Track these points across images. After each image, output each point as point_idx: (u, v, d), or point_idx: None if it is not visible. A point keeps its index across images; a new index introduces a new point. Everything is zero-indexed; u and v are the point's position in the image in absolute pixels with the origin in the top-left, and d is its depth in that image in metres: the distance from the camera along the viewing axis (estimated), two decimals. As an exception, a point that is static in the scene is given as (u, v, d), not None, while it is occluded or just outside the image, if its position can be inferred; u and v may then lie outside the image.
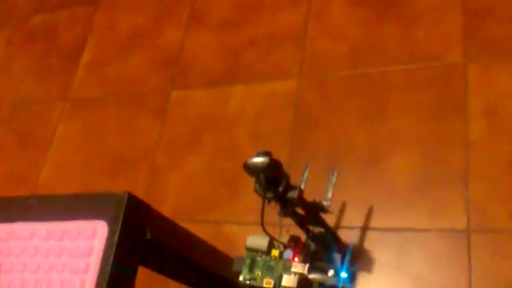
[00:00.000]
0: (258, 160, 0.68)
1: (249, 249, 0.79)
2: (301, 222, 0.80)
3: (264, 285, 0.76)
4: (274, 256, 0.77)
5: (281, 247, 0.79)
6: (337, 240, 0.85)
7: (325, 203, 0.78)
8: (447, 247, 0.86)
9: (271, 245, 0.78)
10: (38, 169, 1.25)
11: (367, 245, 0.90)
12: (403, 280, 0.86)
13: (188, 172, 1.11)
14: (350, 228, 0.90)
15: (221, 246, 0.80)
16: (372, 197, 0.94)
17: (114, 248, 0.57)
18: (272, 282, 0.76)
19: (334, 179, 0.80)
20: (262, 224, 0.72)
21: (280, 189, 0.70)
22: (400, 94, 1.01)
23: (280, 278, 0.75)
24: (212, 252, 0.76)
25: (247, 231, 1.00)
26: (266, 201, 0.71)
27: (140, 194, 0.60)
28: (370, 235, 0.91)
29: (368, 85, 1.05)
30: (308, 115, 1.07)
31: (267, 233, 0.74)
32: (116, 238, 0.57)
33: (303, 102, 1.09)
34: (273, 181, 0.70)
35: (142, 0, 1.43)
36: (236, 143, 1.11)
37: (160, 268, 0.69)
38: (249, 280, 0.77)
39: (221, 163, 1.10)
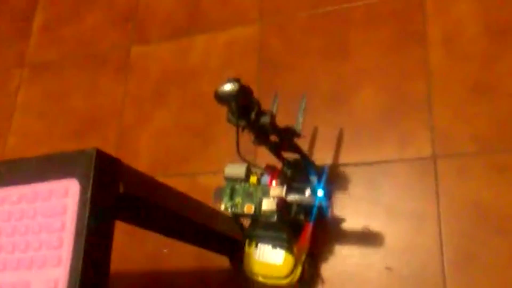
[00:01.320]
0: (228, 87, 0.68)
1: (228, 178, 0.81)
2: (275, 150, 0.81)
3: (245, 210, 0.78)
4: (253, 183, 0.79)
5: (259, 173, 0.80)
6: (312, 163, 0.87)
7: (296, 128, 0.79)
8: (415, 175, 0.89)
9: (249, 172, 0.80)
10: (3, 138, 1.23)
11: (339, 180, 0.92)
12: (375, 209, 0.89)
13: (157, 127, 1.11)
14: (321, 165, 0.92)
15: (197, 197, 0.81)
16: (340, 133, 0.96)
17: (88, 205, 0.57)
18: (253, 207, 0.78)
19: (303, 104, 0.81)
20: (238, 151, 0.74)
21: (253, 115, 0.71)
22: (360, 30, 1.01)
23: (260, 203, 0.77)
24: (187, 200, 0.77)
25: (222, 180, 1.02)
26: (240, 129, 0.72)
27: (111, 153, 0.60)
28: (341, 170, 0.93)
29: (329, 24, 1.05)
30: (272, 59, 1.07)
31: (244, 160, 0.76)
32: (88, 194, 0.57)
33: (266, 46, 1.08)
34: (245, 108, 0.70)
35: (91, -46, 1.37)
36: (202, 93, 1.10)
37: (137, 221, 0.69)
38: (231, 207, 0.79)
39: (190, 115, 1.09)
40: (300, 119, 0.79)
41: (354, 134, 0.95)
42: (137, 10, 1.25)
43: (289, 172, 0.84)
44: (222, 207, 0.80)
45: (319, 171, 0.85)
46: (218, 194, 0.81)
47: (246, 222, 0.85)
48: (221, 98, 0.69)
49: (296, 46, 1.06)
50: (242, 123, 0.72)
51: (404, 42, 0.97)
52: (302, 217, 0.83)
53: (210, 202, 0.83)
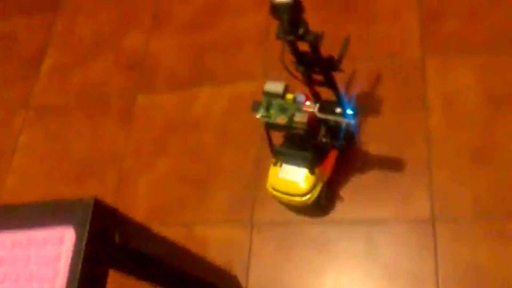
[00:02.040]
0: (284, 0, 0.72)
1: (266, 93, 0.86)
2: (311, 78, 0.86)
3: (278, 121, 0.84)
4: (288, 100, 0.85)
5: (294, 93, 0.85)
6: (342, 95, 0.90)
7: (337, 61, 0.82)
8: (414, 237, 0.88)
9: (286, 90, 0.85)
10: (2, 178, 1.23)
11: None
12: (374, 267, 0.88)
13: (157, 175, 1.11)
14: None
15: (193, 247, 0.80)
16: (340, 190, 0.96)
17: (82, 254, 0.56)
18: (286, 118, 0.84)
19: (347, 44, 0.84)
20: (283, 62, 0.78)
21: (301, 31, 0.75)
22: (363, 90, 1.03)
23: (292, 117, 0.84)
24: (183, 252, 0.76)
25: (218, 232, 1.01)
26: (286, 46, 0.78)
27: (109, 199, 0.60)
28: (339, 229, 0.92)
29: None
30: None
31: (288, 71, 0.80)
32: (83, 243, 0.57)
33: (269, 101, 1.10)
34: (294, 24, 0.75)
35: (103, 5, 1.41)
36: (203, 144, 1.11)
37: (132, 271, 0.68)
38: (265, 117, 0.85)
39: (189, 165, 1.10)
40: (343, 55, 0.83)
41: (354, 192, 0.95)
42: (144, 59, 1.28)
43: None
44: (258, 116, 0.86)
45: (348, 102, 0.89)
46: (255, 106, 0.86)
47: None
48: (276, 8, 0.73)
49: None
50: (290, 37, 0.76)
51: (405, 104, 0.99)
52: (328, 141, 0.89)
53: (204, 252, 0.82)
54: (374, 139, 0.98)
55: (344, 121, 0.83)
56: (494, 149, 0.90)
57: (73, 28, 1.41)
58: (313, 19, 1.13)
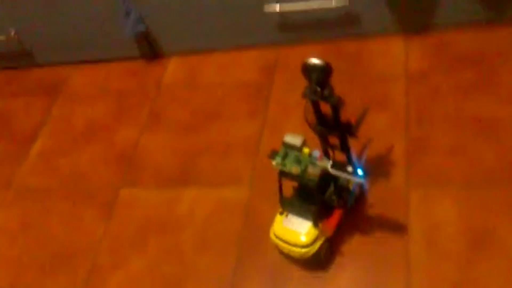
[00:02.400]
0: (317, 60, 0.82)
1: (285, 144, 0.93)
2: (326, 138, 0.94)
3: (292, 170, 0.91)
4: (304, 154, 0.92)
5: (311, 149, 0.92)
6: (354, 161, 0.97)
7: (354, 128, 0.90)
8: None
9: (303, 144, 0.92)
10: (-33, 259, 1.18)
11: None
12: None
13: (131, 273, 1.08)
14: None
15: None
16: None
17: None
18: (299, 169, 0.91)
19: (365, 112, 0.90)
20: (306, 120, 0.89)
21: (325, 92, 0.85)
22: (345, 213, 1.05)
23: (305, 169, 0.91)
24: None
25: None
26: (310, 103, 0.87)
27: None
28: None
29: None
30: (257, 225, 1.08)
31: (312, 127, 0.91)
32: None
33: (253, 211, 1.11)
34: (321, 85, 0.84)
35: (102, 98, 1.46)
36: (181, 247, 1.09)
37: None
38: (280, 165, 0.92)
39: (166, 266, 1.07)
40: (359, 123, 0.90)
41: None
42: (135, 153, 1.29)
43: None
44: (274, 163, 0.93)
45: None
46: (273, 154, 0.93)
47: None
48: (307, 68, 0.83)
49: (282, 215, 1.08)
50: (315, 97, 0.85)
51: (386, 232, 1.00)
52: (335, 199, 0.96)
53: None
54: (353, 260, 0.98)
55: (355, 179, 0.89)
56: (472, 284, 0.90)
57: (69, 116, 1.44)
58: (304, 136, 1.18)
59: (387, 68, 1.25)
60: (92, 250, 1.13)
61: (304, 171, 0.90)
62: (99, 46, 1.51)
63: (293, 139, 0.92)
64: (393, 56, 1.25)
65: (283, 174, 0.93)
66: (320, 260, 0.96)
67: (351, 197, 0.99)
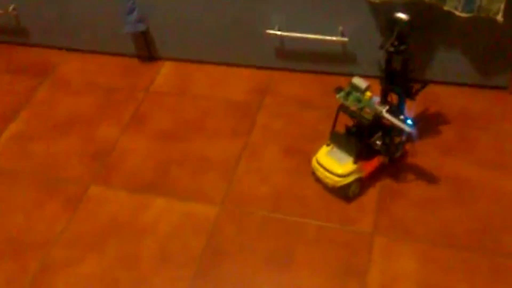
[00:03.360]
0: (403, 15, 0.97)
1: (351, 85, 1.05)
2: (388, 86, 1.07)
3: (351, 105, 1.03)
4: (366, 96, 1.03)
5: (372, 94, 1.04)
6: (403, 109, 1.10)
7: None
8: None
9: (367, 88, 1.03)
10: None
11: None
12: None
13: (82, 274, 1.05)
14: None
15: None
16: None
17: None
18: (357, 106, 1.03)
19: (425, 84, 1.11)
20: (383, 47, 1.01)
21: (402, 47, 0.99)
22: (310, 248, 1.05)
23: (363, 108, 1.03)
24: None
25: None
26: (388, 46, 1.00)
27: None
28: None
29: (282, 232, 1.08)
30: (220, 246, 1.07)
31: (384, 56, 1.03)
32: None
33: (218, 231, 1.10)
34: (400, 39, 0.99)
35: (90, 89, 1.44)
36: (140, 255, 1.08)
37: None
38: (343, 99, 1.05)
39: (119, 273, 1.05)
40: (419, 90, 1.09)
41: None
42: (112, 152, 1.28)
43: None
44: (337, 96, 1.05)
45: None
46: (339, 89, 1.06)
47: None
48: (392, 21, 0.98)
49: (247, 241, 1.07)
50: (392, 48, 1.00)
51: (346, 273, 1.00)
52: (379, 143, 1.06)
53: None
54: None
55: (405, 127, 1.00)
56: None
57: (52, 102, 1.42)
58: (282, 164, 1.18)
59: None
60: (48, 243, 1.11)
61: (361, 109, 1.03)
62: (95, 37, 1.49)
63: (360, 82, 1.04)
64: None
65: (342, 107, 1.06)
66: (347, 194, 1.09)
67: (398, 148, 1.10)
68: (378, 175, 1.13)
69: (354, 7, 1.21)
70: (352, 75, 1.33)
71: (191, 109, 1.35)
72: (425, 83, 1.09)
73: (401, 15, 0.97)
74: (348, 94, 1.05)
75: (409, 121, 1.01)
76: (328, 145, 1.10)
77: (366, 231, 1.06)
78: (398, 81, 1.05)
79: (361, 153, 1.06)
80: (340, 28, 1.26)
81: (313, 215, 1.10)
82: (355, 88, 1.04)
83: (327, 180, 1.08)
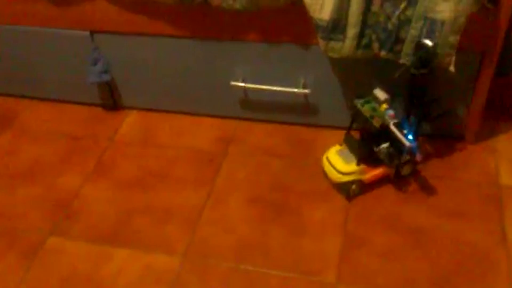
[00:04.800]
0: (427, 41, 1.05)
1: (372, 95, 1.16)
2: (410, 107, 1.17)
3: (364, 111, 1.15)
4: (382, 108, 1.14)
5: (388, 107, 1.15)
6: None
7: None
8: None
9: (385, 101, 1.14)
10: None
11: None
12: None
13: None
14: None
15: None
16: None
17: None
18: (370, 113, 1.14)
19: (447, 113, 1.25)
20: (396, 74, 1.08)
21: (424, 70, 1.09)
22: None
23: (375, 117, 1.13)
24: None
25: None
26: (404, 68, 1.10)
27: None
28: None
29: (246, 283, 1.07)
30: (181, 299, 1.05)
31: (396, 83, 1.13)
32: None
33: (181, 284, 1.08)
34: (423, 62, 1.08)
35: (53, 138, 1.43)
36: (99, 310, 1.04)
37: None
38: (360, 104, 1.16)
39: (77, 330, 1.01)
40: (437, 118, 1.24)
41: None
42: (73, 202, 1.26)
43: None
44: (355, 101, 1.16)
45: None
46: (361, 94, 1.17)
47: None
48: (419, 45, 1.06)
49: (209, 293, 1.06)
50: (414, 70, 1.09)
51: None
52: (385, 153, 1.15)
53: None
54: None
55: (405, 141, 1.09)
56: None
57: (14, 150, 1.40)
58: (246, 214, 1.18)
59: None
60: (3, 298, 1.07)
61: (372, 117, 1.13)
62: (60, 86, 1.49)
63: (379, 94, 1.15)
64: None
65: (357, 111, 1.16)
66: (348, 192, 1.19)
67: (404, 165, 1.19)
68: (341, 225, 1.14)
69: (315, 61, 1.25)
70: (314, 125, 1.38)
71: (156, 158, 1.35)
72: (445, 111, 1.20)
73: (426, 41, 1.05)
74: (366, 102, 1.16)
75: (409, 137, 1.11)
76: (340, 144, 1.22)
77: (330, 281, 1.06)
78: (417, 103, 1.15)
79: (364, 157, 1.16)
80: (302, 80, 1.30)
81: (277, 265, 1.09)
82: (375, 98, 1.15)
83: (330, 175, 1.20)
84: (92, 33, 1.35)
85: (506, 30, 1.11)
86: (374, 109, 1.14)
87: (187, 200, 1.24)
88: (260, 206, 1.21)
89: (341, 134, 1.28)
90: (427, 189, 1.22)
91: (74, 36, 1.36)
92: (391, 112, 1.13)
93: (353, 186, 1.18)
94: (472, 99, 1.24)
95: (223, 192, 1.25)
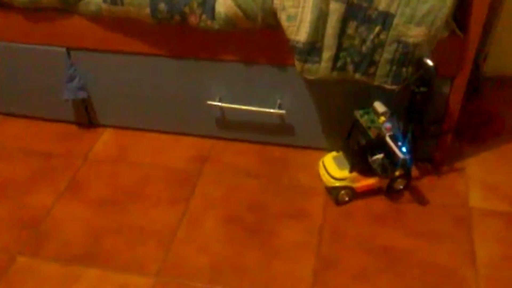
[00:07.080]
0: (428, 61, 1.07)
1: (372, 107, 1.20)
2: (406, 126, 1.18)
3: (362, 121, 1.19)
4: (379, 120, 1.19)
5: (386, 120, 1.18)
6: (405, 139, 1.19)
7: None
8: None
9: (383, 114, 1.18)
10: None
11: None
12: None
13: None
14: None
15: None
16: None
17: None
18: (367, 123, 1.19)
19: (446, 133, 1.27)
20: (397, 90, 1.13)
21: (424, 89, 1.12)
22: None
23: (371, 128, 1.18)
24: None
25: None
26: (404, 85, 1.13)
27: None
28: None
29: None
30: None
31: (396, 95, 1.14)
32: None
33: (153, 305, 1.06)
34: (424, 81, 1.10)
35: (25, 155, 1.40)
36: (68, 333, 1.01)
37: None
38: (359, 115, 1.20)
39: None
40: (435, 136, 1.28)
41: None
42: (44, 221, 1.23)
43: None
44: (355, 112, 1.21)
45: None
46: (361, 107, 1.22)
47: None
48: (421, 64, 1.07)
49: (182, 314, 1.04)
50: (416, 89, 1.12)
51: None
52: (378, 164, 1.20)
53: None
54: None
55: (398, 152, 1.12)
56: None
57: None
58: (221, 234, 1.17)
59: (309, 182, 1.30)
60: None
61: (369, 128, 1.17)
62: (33, 103, 1.47)
63: (379, 106, 1.19)
64: (317, 172, 1.29)
65: (356, 123, 1.21)
66: (337, 197, 1.23)
67: (397, 178, 1.23)
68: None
69: (291, 82, 1.27)
70: (290, 146, 1.39)
71: (130, 176, 1.34)
72: (443, 132, 1.24)
73: (428, 61, 1.07)
74: (366, 113, 1.21)
75: (403, 149, 1.14)
76: (337, 151, 1.26)
77: (303, 302, 1.05)
78: (416, 121, 1.18)
79: (358, 165, 1.20)
80: (278, 101, 1.31)
81: (251, 286, 1.08)
82: (375, 111, 1.20)
83: (323, 178, 1.25)
84: (68, 49, 1.34)
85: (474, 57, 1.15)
86: (372, 121, 1.19)
87: (161, 219, 1.23)
88: (234, 226, 1.21)
89: (317, 154, 1.29)
90: (399, 210, 1.23)
91: (50, 52, 1.35)
92: (388, 125, 1.16)
93: (342, 192, 1.22)
94: (442, 122, 1.26)
95: (198, 212, 1.25)
